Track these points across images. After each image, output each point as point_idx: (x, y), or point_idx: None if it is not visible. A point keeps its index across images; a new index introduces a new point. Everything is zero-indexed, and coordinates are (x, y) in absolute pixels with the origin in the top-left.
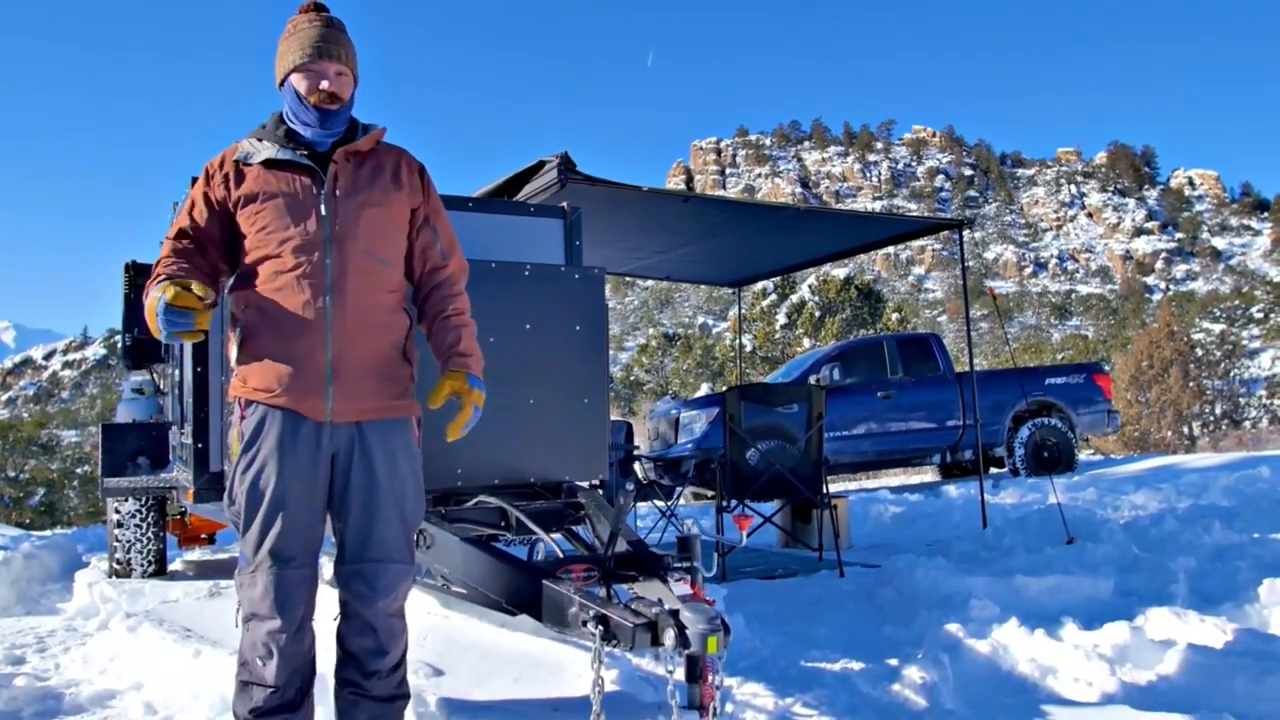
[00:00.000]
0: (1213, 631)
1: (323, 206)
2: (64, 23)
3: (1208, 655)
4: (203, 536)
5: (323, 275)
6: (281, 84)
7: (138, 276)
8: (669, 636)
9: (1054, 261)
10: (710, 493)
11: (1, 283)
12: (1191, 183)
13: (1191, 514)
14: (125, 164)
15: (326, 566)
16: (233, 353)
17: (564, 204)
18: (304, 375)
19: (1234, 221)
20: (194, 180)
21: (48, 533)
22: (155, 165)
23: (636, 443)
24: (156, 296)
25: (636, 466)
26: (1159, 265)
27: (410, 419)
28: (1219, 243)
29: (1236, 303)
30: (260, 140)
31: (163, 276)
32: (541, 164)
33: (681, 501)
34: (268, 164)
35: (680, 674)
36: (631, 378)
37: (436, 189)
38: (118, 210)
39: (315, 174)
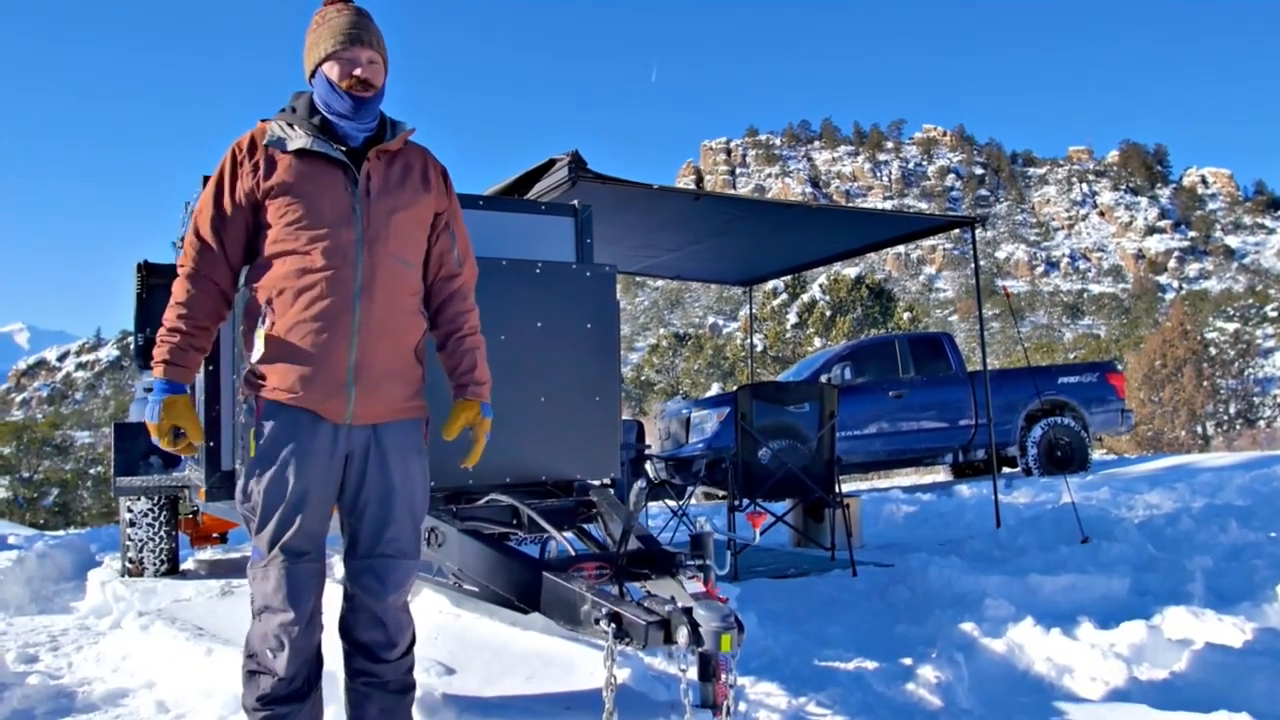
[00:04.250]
0: (1231, 630)
1: (357, 208)
2: (75, 23)
3: (1226, 654)
4: (215, 535)
5: (353, 279)
6: (312, 75)
7: (150, 276)
8: (682, 634)
9: (1065, 260)
10: (721, 492)
11: (15, 284)
12: (1204, 181)
13: (1207, 513)
14: (136, 165)
15: (337, 565)
16: (254, 348)
17: (575, 202)
18: (326, 377)
19: (1247, 220)
20: (206, 181)
21: (61, 533)
22: (166, 166)
23: (648, 442)
24: (151, 427)
25: (648, 466)
26: (1172, 264)
27: (421, 420)
28: (1232, 241)
29: (1250, 301)
30: (292, 126)
31: (163, 371)
32: (552, 162)
33: (693, 501)
34: (299, 154)
35: (693, 672)
36: (642, 378)
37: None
38: (129, 211)
39: (349, 171)
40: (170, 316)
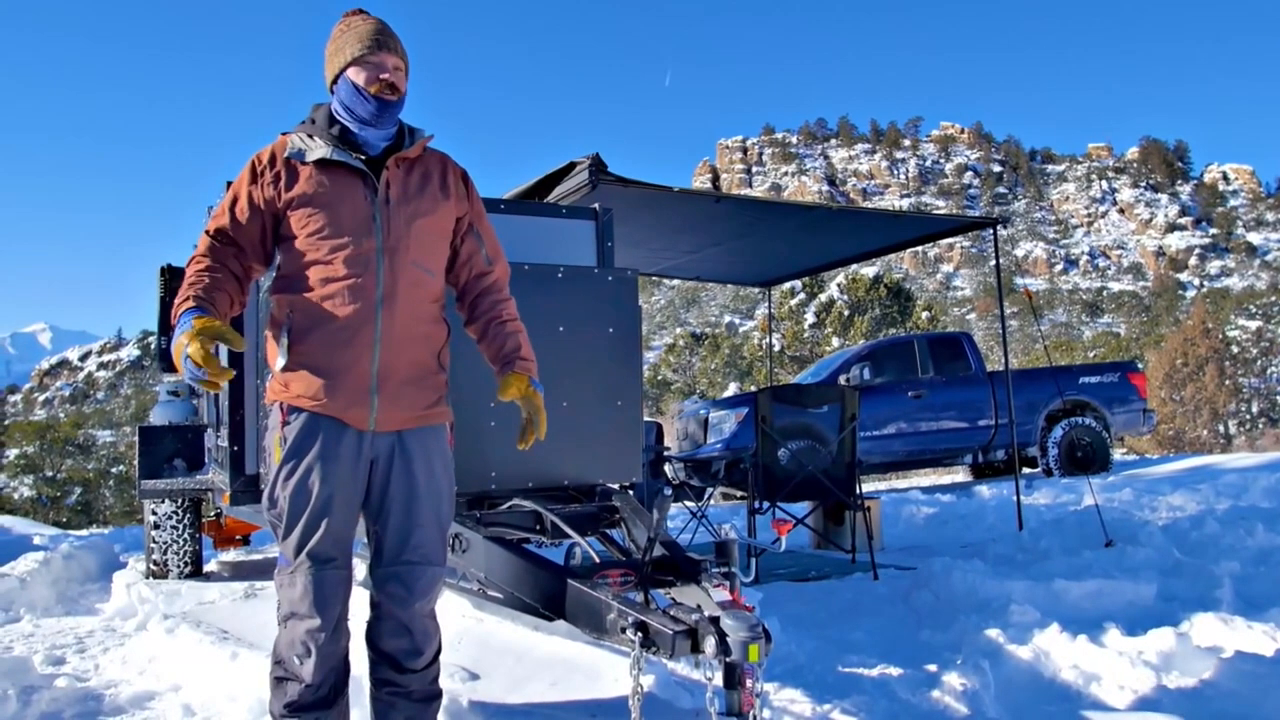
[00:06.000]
0: (1261, 639)
1: (377, 216)
2: (95, 23)
3: (1258, 663)
4: (238, 538)
5: (374, 286)
6: (334, 82)
7: (173, 280)
8: (709, 644)
9: (1085, 258)
10: (740, 493)
11: (37, 285)
12: (1226, 177)
13: (1232, 515)
14: (158, 165)
15: (360, 568)
16: (277, 357)
17: (595, 205)
18: (349, 384)
19: (1270, 216)
20: (229, 185)
21: (85, 532)
22: (188, 166)
23: (666, 443)
24: (183, 343)
25: (666, 467)
26: (1193, 261)
27: (445, 425)
28: (1254, 238)
29: (1273, 299)
30: (311, 137)
31: (191, 304)
32: (572, 165)
33: (711, 502)
34: (320, 164)
35: (718, 680)
36: (659, 377)
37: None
38: (151, 211)
39: (369, 179)
40: (185, 283)
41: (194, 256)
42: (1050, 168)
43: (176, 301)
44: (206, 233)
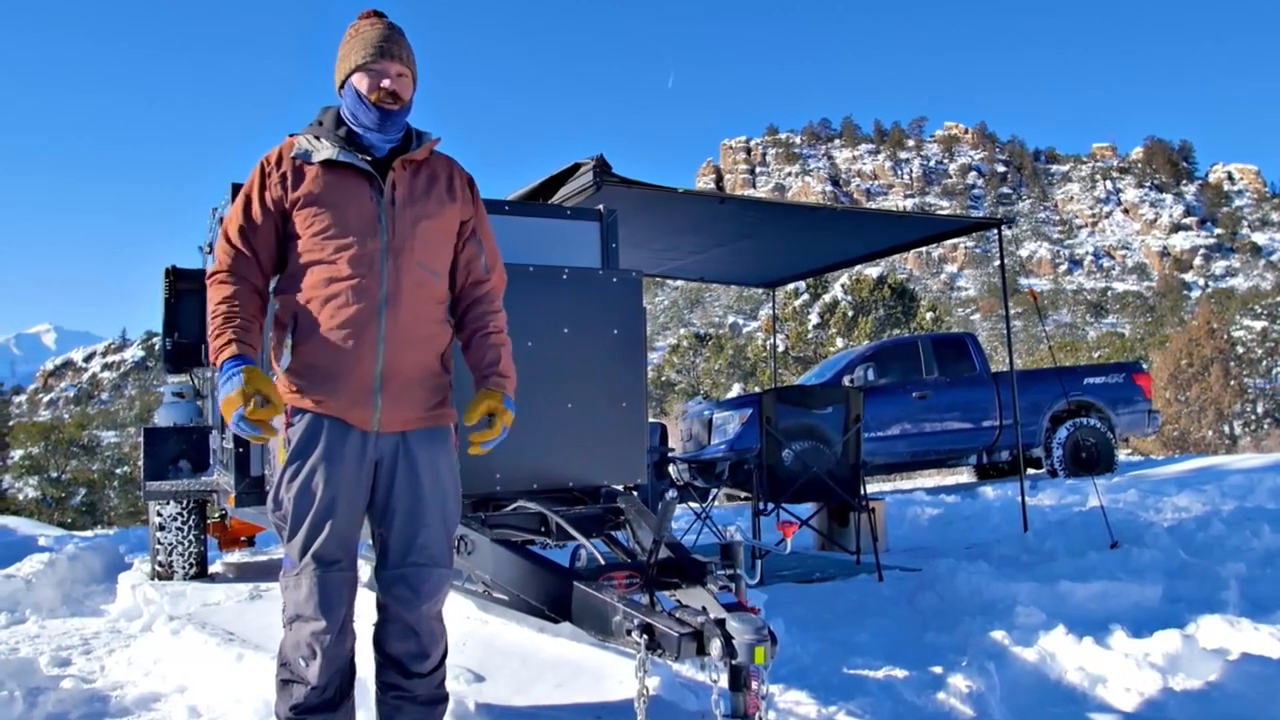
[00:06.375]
0: (1268, 640)
1: (382, 217)
2: (95, 23)
3: (1265, 665)
4: (243, 539)
5: (378, 287)
6: (342, 87)
7: (178, 281)
8: (715, 646)
9: (1089, 258)
10: (744, 494)
11: (42, 285)
12: (1231, 177)
13: (1238, 516)
14: (159, 165)
15: (365, 570)
16: (281, 358)
17: (600, 207)
18: (353, 385)
19: (1275, 216)
20: (234, 188)
21: (90, 533)
22: (189, 166)
23: (670, 444)
24: (235, 401)
25: (671, 469)
26: (1197, 261)
27: (450, 427)
28: (1259, 238)
29: (1278, 299)
30: (318, 139)
31: (235, 350)
32: (577, 166)
33: (715, 504)
34: (326, 165)
35: (724, 682)
36: (663, 378)
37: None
38: (152, 211)
39: (374, 181)
40: (218, 311)
41: (216, 273)
42: (1054, 168)
43: (213, 333)
44: (225, 239)
